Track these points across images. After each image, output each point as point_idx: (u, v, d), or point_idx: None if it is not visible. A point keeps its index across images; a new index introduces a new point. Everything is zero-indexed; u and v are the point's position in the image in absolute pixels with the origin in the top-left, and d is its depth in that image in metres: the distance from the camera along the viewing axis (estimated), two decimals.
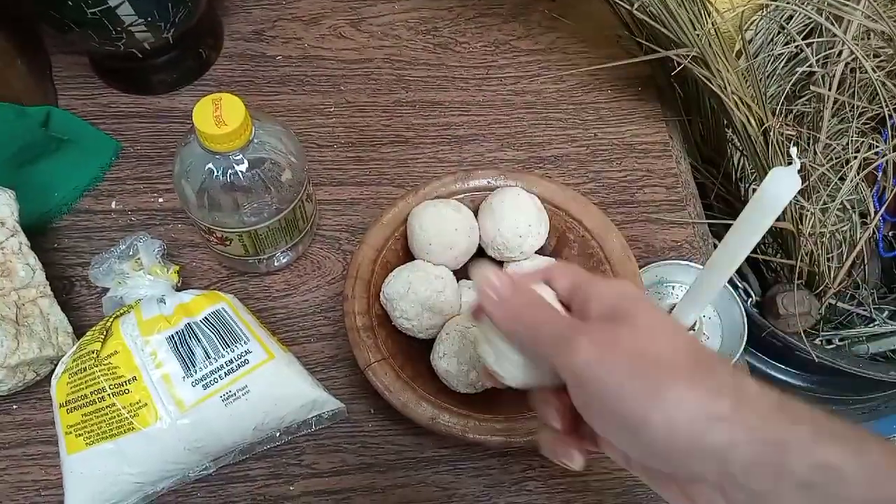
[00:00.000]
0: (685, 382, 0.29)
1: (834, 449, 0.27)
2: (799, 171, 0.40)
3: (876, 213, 0.75)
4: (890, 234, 0.85)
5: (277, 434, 0.51)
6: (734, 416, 0.28)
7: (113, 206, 0.61)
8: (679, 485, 0.30)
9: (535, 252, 0.55)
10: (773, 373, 0.85)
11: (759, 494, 0.27)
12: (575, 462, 0.35)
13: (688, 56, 0.58)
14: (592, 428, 0.32)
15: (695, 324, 0.58)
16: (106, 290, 0.52)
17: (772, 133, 0.61)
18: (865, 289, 0.82)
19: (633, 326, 0.31)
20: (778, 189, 0.41)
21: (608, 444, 0.34)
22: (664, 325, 0.32)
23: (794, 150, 0.40)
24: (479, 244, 0.55)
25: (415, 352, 0.53)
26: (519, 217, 0.52)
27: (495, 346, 0.36)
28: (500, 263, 0.55)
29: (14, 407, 0.53)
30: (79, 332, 0.53)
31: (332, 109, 0.68)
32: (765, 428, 0.28)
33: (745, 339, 0.58)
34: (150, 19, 0.57)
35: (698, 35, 0.58)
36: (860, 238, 0.75)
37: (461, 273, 0.55)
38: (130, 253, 0.51)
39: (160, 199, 0.62)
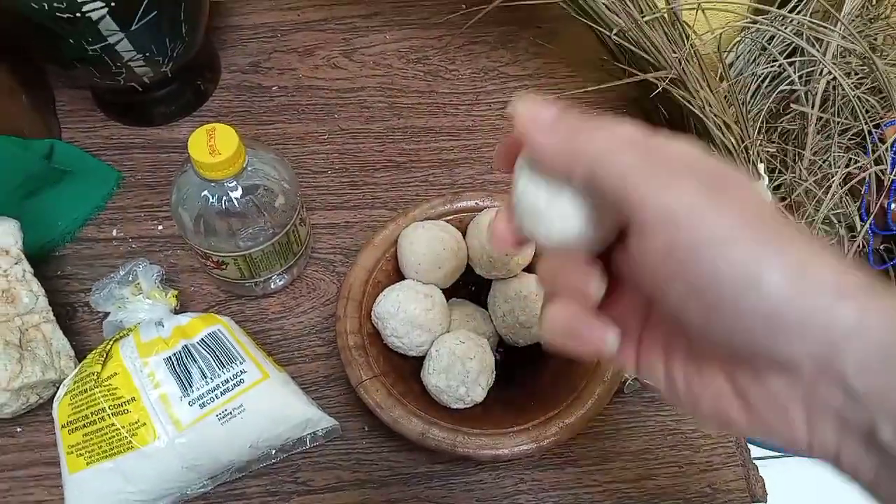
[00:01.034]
0: (806, 247, 0.23)
1: None
2: (769, 182, 0.42)
3: (862, 226, 0.77)
4: (881, 247, 0.86)
5: (273, 452, 0.52)
6: (864, 299, 0.22)
7: (114, 233, 0.63)
8: (736, 380, 0.25)
9: (523, 270, 0.56)
10: None
11: (867, 396, 0.22)
12: (608, 344, 0.28)
13: (666, 78, 0.60)
14: (658, 295, 0.25)
15: None
16: (107, 314, 0.53)
17: (752, 150, 0.63)
18: None
19: (735, 177, 0.25)
20: None
21: (630, 331, 0.28)
22: (766, 196, 0.27)
23: (761, 166, 0.42)
24: (468, 263, 0.56)
25: (406, 369, 0.54)
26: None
27: (538, 187, 0.28)
28: (489, 281, 0.57)
29: (18, 429, 0.54)
30: (81, 355, 0.55)
31: (326, 137, 0.70)
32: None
33: None
34: (148, 55, 0.60)
35: (676, 58, 0.60)
36: (848, 251, 0.76)
37: (450, 292, 0.57)
38: (130, 278, 0.53)
39: (160, 227, 0.64)
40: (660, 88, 0.60)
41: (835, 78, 0.72)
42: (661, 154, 0.25)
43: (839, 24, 0.70)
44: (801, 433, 0.24)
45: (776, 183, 0.72)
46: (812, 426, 0.24)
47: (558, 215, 0.28)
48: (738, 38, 0.83)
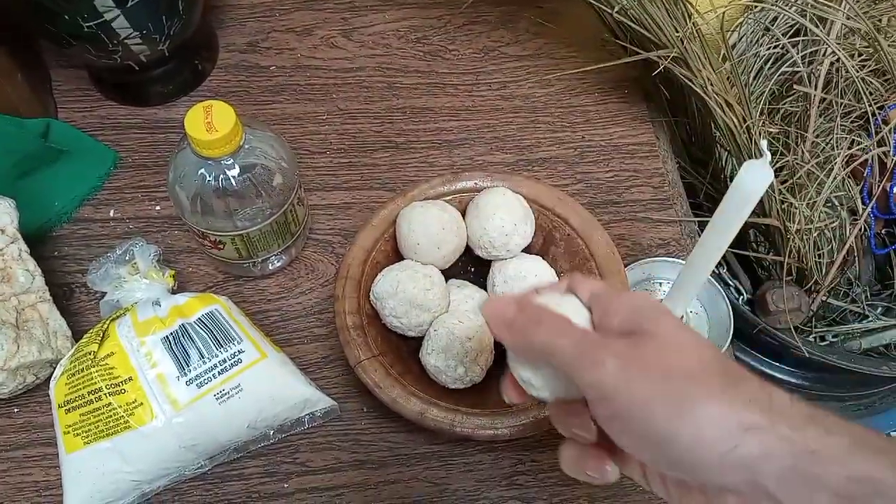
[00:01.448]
0: (715, 395, 0.28)
1: (873, 460, 0.26)
2: (783, 172, 0.41)
3: (864, 209, 0.76)
4: (883, 231, 0.85)
5: (271, 432, 0.52)
6: (766, 427, 0.27)
7: (111, 214, 0.63)
8: (707, 498, 0.30)
9: (522, 251, 0.56)
10: (768, 371, 0.85)
11: None
12: (610, 474, 0.34)
13: (668, 57, 0.59)
14: (616, 443, 0.31)
15: (682, 318, 0.59)
16: (104, 294, 0.53)
17: (754, 130, 0.62)
18: (858, 286, 0.82)
19: (657, 340, 0.31)
20: (751, 181, 0.42)
21: (630, 459, 0.34)
22: (688, 338, 0.31)
23: (763, 143, 0.41)
24: (468, 244, 0.56)
25: (404, 349, 0.54)
26: (505, 216, 0.54)
27: (522, 363, 0.36)
28: (488, 262, 0.56)
29: (14, 410, 0.54)
30: (78, 336, 0.55)
31: (324, 117, 0.69)
32: (798, 439, 0.27)
33: (732, 332, 0.59)
34: (145, 32, 0.59)
35: (679, 36, 0.59)
36: (849, 235, 0.76)
37: (449, 272, 0.56)
38: (127, 258, 0.53)
39: (157, 207, 0.64)
40: (661, 67, 0.59)
41: (838, 59, 0.71)
42: (598, 327, 0.33)
43: (844, 2, 0.69)
44: None
45: (778, 165, 0.71)
46: None
47: (540, 385, 0.35)
48: (741, 19, 0.82)
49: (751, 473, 0.27)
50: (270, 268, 0.60)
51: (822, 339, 0.80)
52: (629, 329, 0.32)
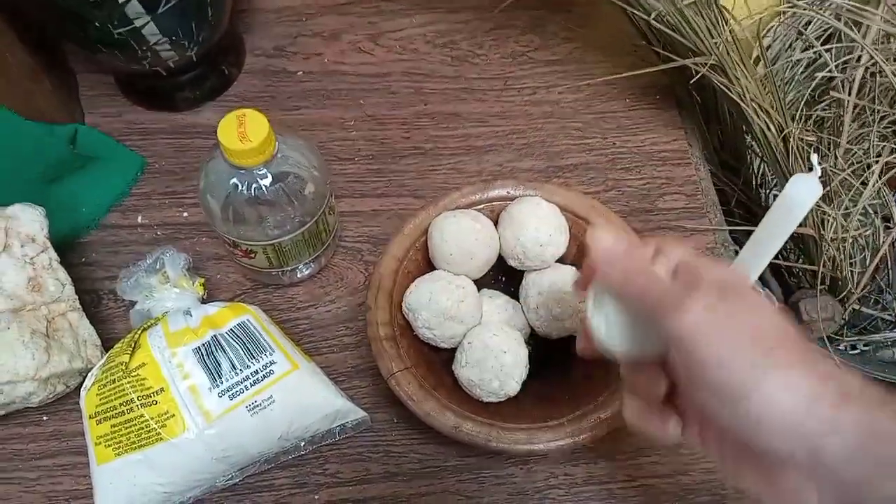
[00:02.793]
0: (795, 364, 0.29)
1: None
2: (820, 178, 0.40)
3: None
4: None
5: (302, 444, 0.52)
6: (839, 404, 0.28)
7: (139, 220, 0.63)
8: (764, 468, 0.31)
9: (556, 261, 0.55)
10: None
11: (852, 485, 0.27)
12: (671, 430, 0.35)
13: (706, 64, 0.58)
14: (688, 394, 0.32)
15: None
16: (133, 303, 0.53)
17: (792, 139, 0.61)
18: (890, 293, 0.81)
19: (745, 302, 0.31)
20: (799, 196, 0.41)
21: (691, 419, 0.34)
22: (771, 309, 0.32)
23: (814, 157, 0.40)
24: (500, 254, 0.55)
25: (437, 361, 0.53)
26: (539, 226, 0.53)
27: (606, 313, 0.37)
28: (521, 273, 0.56)
29: (45, 418, 0.54)
30: (107, 344, 0.54)
31: (352, 123, 0.69)
32: (869, 419, 0.27)
33: None
34: (174, 38, 0.59)
35: (716, 43, 0.58)
36: (883, 243, 0.74)
37: (480, 282, 0.56)
38: (157, 267, 0.52)
39: (185, 214, 0.63)
40: (700, 74, 0.58)
41: (874, 63, 0.70)
42: (691, 278, 0.33)
43: (881, 5, 0.68)
44: None
45: None
46: (822, 502, 0.29)
47: (620, 333, 0.36)
48: (773, 24, 0.81)
49: (816, 448, 0.28)
50: (299, 276, 0.59)
51: (854, 347, 0.79)
52: (718, 287, 0.32)
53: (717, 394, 0.30)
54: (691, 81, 0.61)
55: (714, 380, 0.30)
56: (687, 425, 0.35)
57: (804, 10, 0.73)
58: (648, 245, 0.37)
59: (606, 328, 0.37)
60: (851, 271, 0.72)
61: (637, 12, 0.61)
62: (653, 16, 0.59)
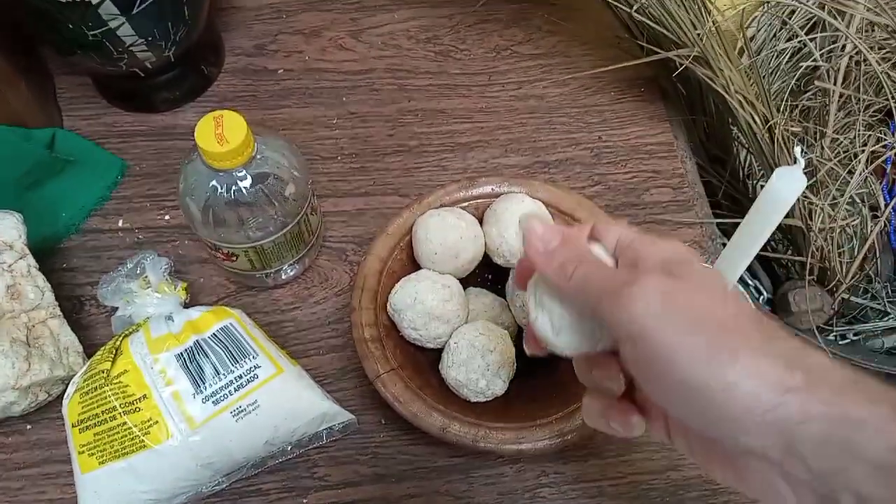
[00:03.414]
0: (754, 349, 0.26)
1: None
2: (805, 169, 0.40)
3: (886, 205, 0.75)
4: None
5: (289, 447, 0.51)
6: (807, 389, 0.25)
7: (120, 224, 0.62)
8: (730, 459, 0.29)
9: None
10: None
11: (825, 474, 0.25)
12: (634, 427, 0.33)
13: (689, 56, 0.58)
14: (644, 390, 0.29)
15: None
16: (115, 309, 0.52)
17: (777, 130, 0.61)
18: (879, 282, 0.81)
19: (693, 283, 0.28)
20: (783, 189, 0.41)
21: (655, 413, 0.32)
22: (722, 287, 0.29)
23: (797, 150, 0.40)
24: (486, 251, 0.55)
25: (423, 362, 0.53)
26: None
27: (549, 309, 0.33)
28: (506, 269, 0.55)
29: (28, 427, 0.53)
30: (89, 351, 0.54)
31: (335, 121, 0.68)
32: (840, 403, 0.25)
33: None
34: (150, 39, 0.58)
35: (699, 35, 0.58)
36: (871, 232, 0.74)
37: (467, 281, 0.55)
38: (138, 272, 0.52)
39: (167, 217, 0.62)
40: (683, 66, 0.58)
41: (858, 52, 0.70)
42: (634, 258, 0.31)
43: None
44: (789, 501, 0.27)
45: None
46: (798, 497, 0.27)
47: (565, 329, 0.33)
48: (757, 14, 0.80)
49: (786, 438, 0.25)
50: (283, 277, 0.59)
51: (843, 337, 0.79)
52: (663, 270, 0.30)
53: (676, 389, 0.27)
54: (675, 74, 0.61)
55: (668, 375, 0.27)
56: (651, 420, 0.33)
57: (788, 0, 0.73)
58: (583, 229, 0.34)
59: (552, 326, 0.34)
60: (840, 261, 0.72)
61: (619, 4, 0.61)
62: (635, 7, 0.58)
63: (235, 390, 0.48)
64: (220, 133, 0.46)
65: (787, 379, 0.26)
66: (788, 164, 0.41)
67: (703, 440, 0.30)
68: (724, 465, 0.29)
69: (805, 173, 0.39)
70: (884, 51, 0.71)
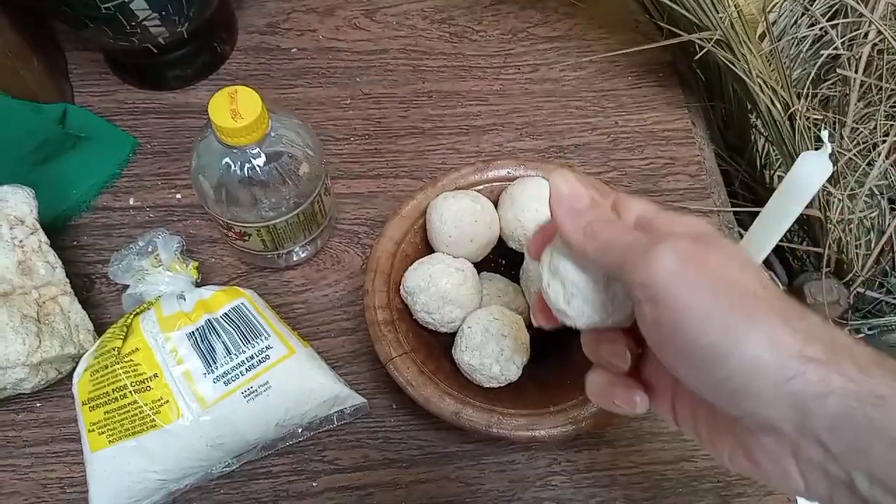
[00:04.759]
0: (778, 319, 0.25)
1: None
2: (830, 156, 0.39)
3: None
4: None
5: (299, 430, 0.51)
6: (828, 362, 0.24)
7: (131, 202, 0.61)
8: (739, 437, 0.28)
9: None
10: None
11: (840, 454, 0.24)
12: (638, 404, 0.32)
13: (711, 40, 0.57)
14: (659, 356, 0.29)
15: None
16: (126, 286, 0.52)
17: (798, 117, 0.60)
18: (895, 277, 0.80)
19: (717, 250, 0.28)
20: (808, 174, 0.40)
21: (662, 391, 0.32)
22: (748, 260, 0.28)
23: (824, 134, 0.39)
24: (500, 236, 0.54)
25: (436, 346, 0.52)
26: (541, 207, 0.51)
27: (563, 278, 0.33)
28: (520, 254, 0.54)
29: (37, 405, 0.53)
30: (99, 329, 0.53)
31: (348, 101, 0.67)
32: (862, 379, 0.24)
33: None
34: (164, 13, 0.57)
35: (721, 18, 0.56)
36: (889, 225, 0.73)
37: (482, 265, 0.54)
38: (149, 249, 0.51)
39: (178, 195, 0.62)
40: (705, 50, 0.57)
41: (882, 40, 0.69)
42: (658, 229, 0.30)
43: None
44: (798, 484, 0.26)
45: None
46: (805, 478, 0.26)
47: (580, 299, 0.32)
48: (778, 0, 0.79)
49: (801, 413, 0.25)
50: (295, 259, 0.58)
51: (858, 331, 0.78)
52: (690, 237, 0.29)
53: (692, 354, 0.26)
54: (696, 58, 0.60)
55: (687, 339, 0.26)
56: (656, 399, 0.32)
57: None
58: (607, 198, 0.33)
59: (565, 294, 0.33)
60: (857, 253, 0.71)
61: None
62: None
63: (247, 371, 0.47)
64: (235, 109, 0.45)
65: (808, 350, 0.25)
66: (813, 150, 0.41)
67: (712, 419, 0.29)
68: (733, 445, 0.28)
69: (830, 159, 0.38)
70: None
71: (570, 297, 0.32)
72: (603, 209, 0.32)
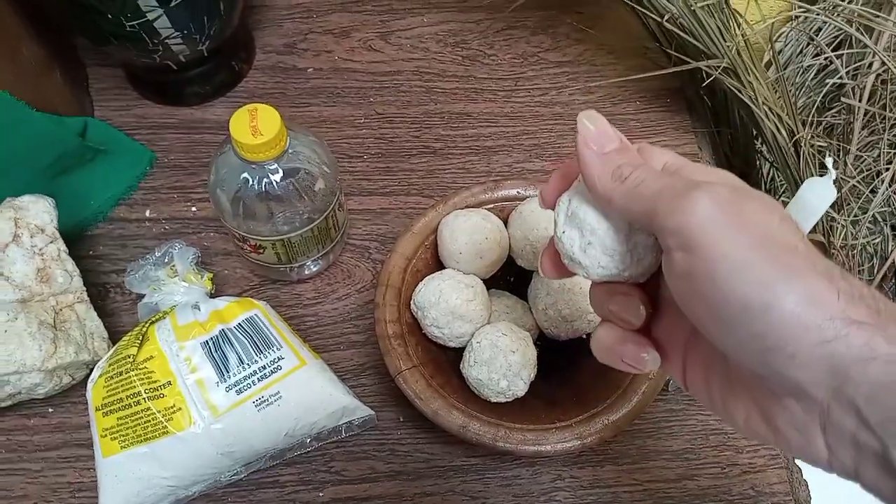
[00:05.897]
0: (822, 277, 0.23)
1: None
2: (834, 182, 0.40)
3: None
4: None
5: (308, 440, 0.52)
6: (874, 328, 0.23)
7: (147, 214, 0.63)
8: (759, 400, 0.26)
9: None
10: None
11: (879, 423, 0.23)
12: (647, 362, 0.30)
13: (718, 67, 0.58)
14: (686, 310, 0.27)
15: None
16: (141, 296, 0.53)
17: (803, 144, 0.61)
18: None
19: (757, 199, 0.26)
20: (813, 200, 0.41)
21: (673, 349, 0.30)
22: (786, 214, 0.26)
23: (829, 160, 0.40)
24: (510, 254, 0.55)
25: (445, 360, 0.53)
26: (550, 227, 0.52)
27: (581, 224, 0.31)
28: (529, 272, 0.55)
29: (50, 410, 0.54)
30: (113, 337, 0.54)
31: (362, 121, 0.69)
32: None
33: None
34: (185, 32, 0.59)
35: (728, 46, 0.58)
36: (892, 251, 0.74)
37: (491, 283, 0.55)
38: (166, 260, 0.52)
39: (193, 208, 0.63)
40: (713, 77, 0.58)
41: (886, 70, 0.70)
42: (689, 177, 0.27)
43: (894, 11, 0.68)
44: (821, 453, 0.25)
45: None
46: (830, 447, 0.24)
47: (594, 258, 0.31)
48: (785, 29, 0.81)
49: (840, 377, 0.23)
50: (307, 272, 0.59)
51: None
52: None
53: (724, 308, 0.24)
54: (703, 85, 0.61)
55: (724, 290, 0.24)
56: (666, 359, 0.31)
57: (816, 14, 0.73)
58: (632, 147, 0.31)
59: (581, 242, 0.31)
60: (860, 279, 0.72)
61: (649, 13, 0.61)
62: (665, 17, 0.59)
63: (259, 380, 0.48)
64: (255, 126, 0.46)
65: (852, 311, 0.23)
66: (818, 176, 0.42)
67: (727, 381, 0.28)
68: (750, 409, 0.26)
69: (834, 185, 0.39)
70: None
71: (587, 245, 0.31)
72: (633, 153, 0.30)
